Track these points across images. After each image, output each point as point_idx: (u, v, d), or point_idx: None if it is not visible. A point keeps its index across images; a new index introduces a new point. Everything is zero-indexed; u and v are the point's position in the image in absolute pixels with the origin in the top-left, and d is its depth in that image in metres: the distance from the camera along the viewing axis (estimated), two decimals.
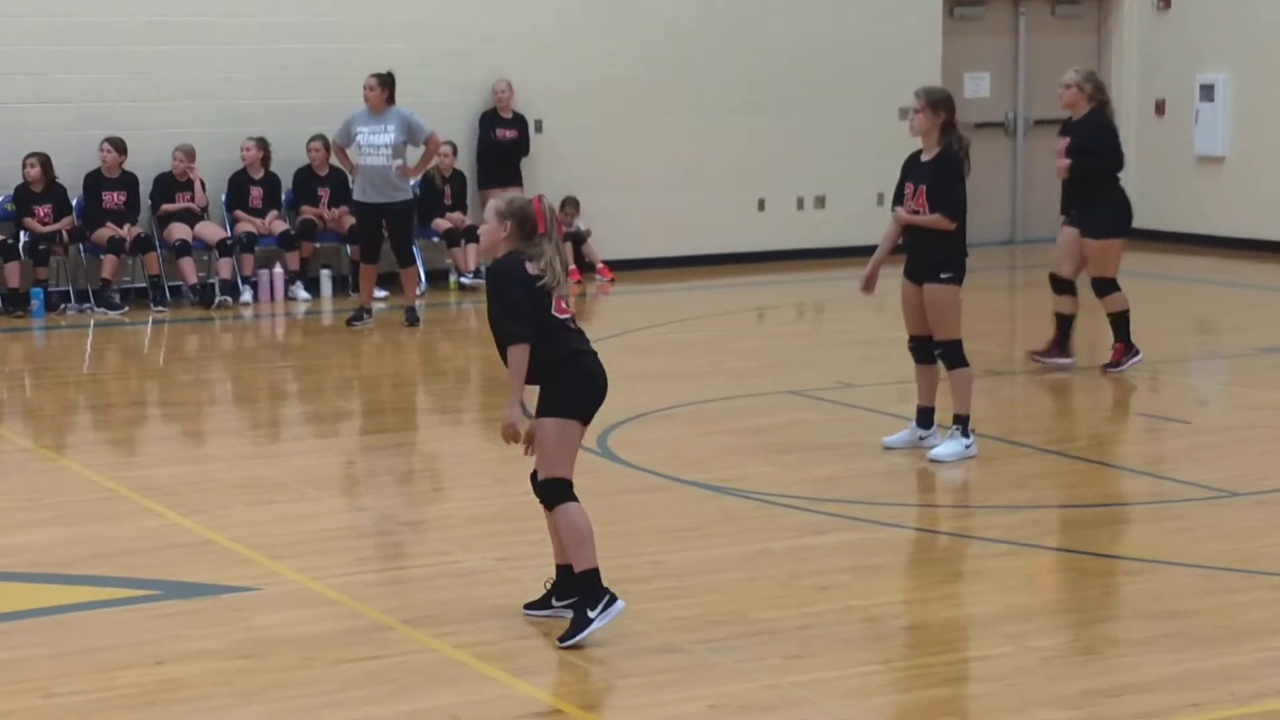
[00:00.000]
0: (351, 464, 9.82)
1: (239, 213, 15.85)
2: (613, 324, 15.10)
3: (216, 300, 15.28)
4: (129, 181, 15.44)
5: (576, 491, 6.49)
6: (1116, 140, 11.74)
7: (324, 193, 16.09)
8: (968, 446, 9.32)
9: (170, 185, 15.64)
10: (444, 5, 16.73)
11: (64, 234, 15.17)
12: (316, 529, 8.15)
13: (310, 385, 12.42)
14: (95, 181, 15.36)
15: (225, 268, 15.48)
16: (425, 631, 6.67)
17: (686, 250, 17.85)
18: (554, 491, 6.51)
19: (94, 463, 9.72)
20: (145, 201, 15.60)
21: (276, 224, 15.92)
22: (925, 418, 9.58)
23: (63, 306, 15.17)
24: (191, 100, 15.86)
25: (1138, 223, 19.70)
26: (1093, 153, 11.52)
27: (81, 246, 15.36)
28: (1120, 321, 11.75)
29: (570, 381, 6.46)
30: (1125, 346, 11.75)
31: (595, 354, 6.57)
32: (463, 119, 16.74)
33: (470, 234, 16.31)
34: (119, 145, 15.31)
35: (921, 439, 9.54)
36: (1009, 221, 19.68)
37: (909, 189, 9.34)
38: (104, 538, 8.09)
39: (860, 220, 18.46)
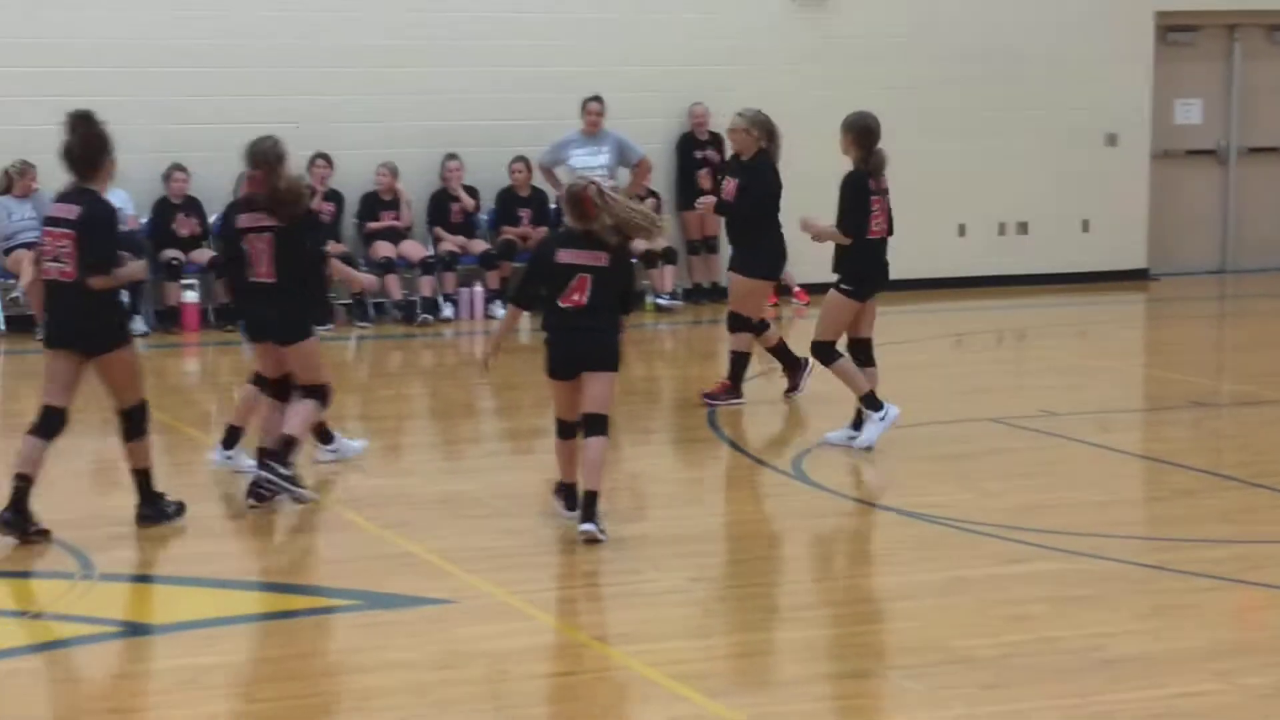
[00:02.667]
0: (548, 481, 9.89)
1: (439, 230, 16.06)
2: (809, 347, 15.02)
3: (419, 317, 15.53)
4: (334, 197, 15.72)
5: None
6: (776, 184, 11.41)
7: (525, 213, 16.27)
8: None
9: (375, 204, 15.93)
10: (642, 28, 16.79)
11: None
12: (513, 544, 8.22)
13: (508, 402, 12.54)
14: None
15: (427, 285, 15.72)
16: (618, 649, 6.69)
17: None
18: None
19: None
20: (351, 220, 15.92)
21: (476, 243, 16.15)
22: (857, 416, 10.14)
23: None
24: (397, 122, 16.14)
25: None
26: (754, 194, 11.26)
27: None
28: (739, 361, 11.50)
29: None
30: (731, 385, 11.50)
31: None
32: (662, 141, 16.80)
33: (668, 255, 16.39)
34: (329, 161, 15.62)
35: (850, 439, 10.07)
36: (1219, 250, 19.20)
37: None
38: (306, 548, 8.25)
39: (1064, 247, 18.15)
